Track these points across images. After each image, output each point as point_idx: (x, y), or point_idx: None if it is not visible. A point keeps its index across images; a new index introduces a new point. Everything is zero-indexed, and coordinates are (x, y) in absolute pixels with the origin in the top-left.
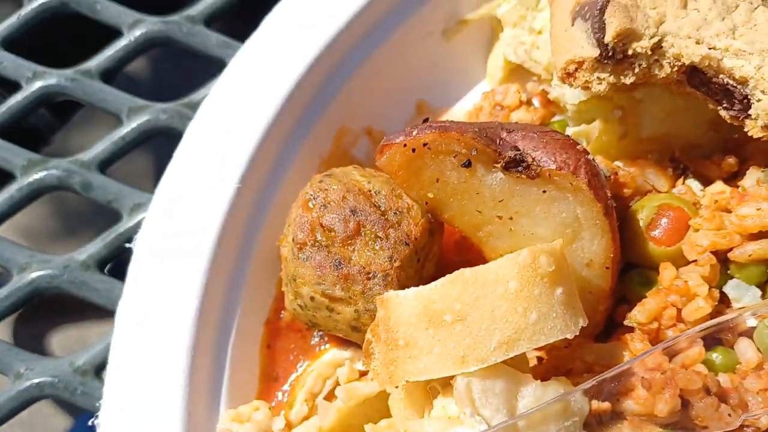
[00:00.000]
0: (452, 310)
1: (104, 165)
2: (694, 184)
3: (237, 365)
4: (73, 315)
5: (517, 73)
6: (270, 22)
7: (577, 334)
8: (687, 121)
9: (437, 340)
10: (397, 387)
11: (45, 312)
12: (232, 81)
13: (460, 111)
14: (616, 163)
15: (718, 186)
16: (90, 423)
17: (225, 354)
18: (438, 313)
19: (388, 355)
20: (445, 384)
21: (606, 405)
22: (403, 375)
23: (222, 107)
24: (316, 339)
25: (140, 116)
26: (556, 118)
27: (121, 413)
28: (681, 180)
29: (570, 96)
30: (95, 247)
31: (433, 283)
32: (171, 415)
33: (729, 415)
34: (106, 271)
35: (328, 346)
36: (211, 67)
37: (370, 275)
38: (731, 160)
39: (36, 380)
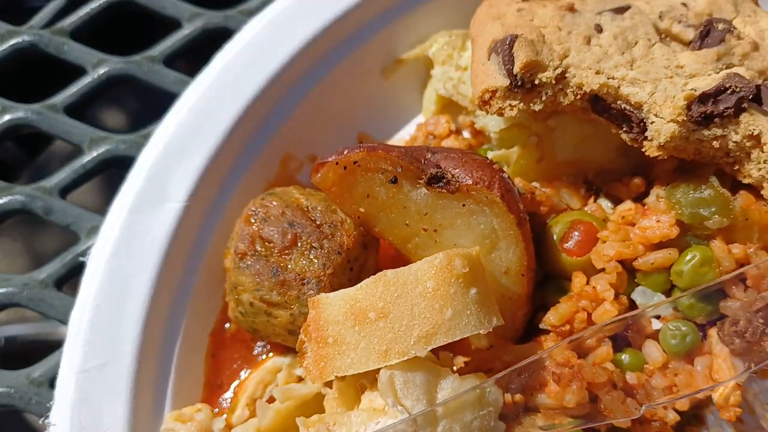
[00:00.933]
0: (376, 308)
1: (65, 191)
2: (605, 203)
3: (182, 373)
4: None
5: (450, 107)
6: (220, 58)
7: (491, 330)
8: (597, 147)
9: (362, 336)
10: (327, 383)
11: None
12: (183, 110)
13: (398, 141)
14: (534, 183)
15: (627, 204)
16: (41, 422)
17: (170, 362)
18: (363, 311)
19: (318, 352)
20: (373, 380)
21: (519, 398)
22: (332, 370)
23: (173, 134)
24: (259, 349)
25: (101, 146)
26: (485, 146)
27: (70, 413)
28: (592, 199)
29: (492, 125)
30: (53, 267)
31: (358, 284)
32: (116, 416)
33: (635, 409)
34: (63, 289)
35: (271, 355)
36: (169, 102)
37: (305, 281)
38: (638, 180)
39: None
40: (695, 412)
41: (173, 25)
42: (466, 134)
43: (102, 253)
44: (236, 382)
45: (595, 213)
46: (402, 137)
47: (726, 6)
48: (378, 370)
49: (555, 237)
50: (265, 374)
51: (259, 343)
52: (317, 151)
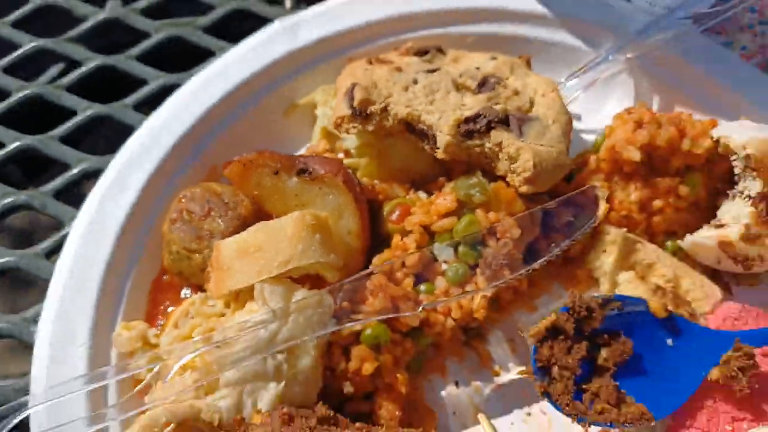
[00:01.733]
0: (254, 245)
1: (57, 193)
2: (422, 194)
3: (130, 306)
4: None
5: (331, 136)
6: (169, 102)
7: (329, 261)
8: (419, 159)
9: (245, 263)
10: (226, 305)
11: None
12: (141, 135)
13: None
14: (376, 181)
15: (435, 195)
16: (30, 329)
17: (122, 297)
18: (246, 248)
19: (217, 276)
20: (252, 294)
21: (346, 305)
22: (226, 287)
23: (132, 150)
24: (185, 293)
25: (84, 164)
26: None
27: (51, 326)
28: (413, 191)
29: (350, 143)
30: (45, 244)
31: (245, 231)
32: (84, 327)
33: (418, 307)
34: (52, 259)
35: (191, 294)
36: None
37: (213, 235)
38: (442, 179)
39: None
40: (480, 331)
41: (142, 82)
42: (340, 155)
43: (80, 224)
44: (168, 312)
45: (413, 199)
46: None
47: (505, 70)
48: (254, 285)
49: (385, 214)
50: (186, 306)
51: (185, 290)
52: None
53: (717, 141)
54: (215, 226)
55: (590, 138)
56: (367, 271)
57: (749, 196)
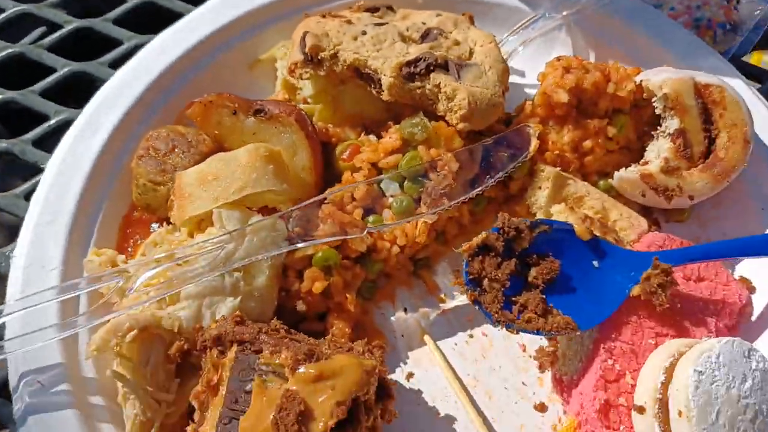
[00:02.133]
0: (213, 174)
1: (36, 142)
2: (372, 137)
3: (101, 239)
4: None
5: (291, 87)
6: (139, 54)
7: (281, 190)
8: (370, 105)
9: (204, 191)
10: (190, 234)
11: None
12: (112, 83)
13: None
14: (330, 125)
15: (385, 136)
16: (7, 254)
17: (93, 229)
18: (205, 176)
19: (179, 203)
20: (210, 220)
21: (299, 230)
22: (187, 212)
23: (104, 97)
24: (153, 228)
25: (61, 115)
26: None
27: (26, 249)
28: (364, 134)
29: (306, 91)
30: (24, 186)
31: (204, 161)
32: (56, 254)
33: (363, 232)
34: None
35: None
36: None
37: (177, 167)
38: (391, 123)
39: None
40: (427, 262)
41: (117, 42)
42: (301, 105)
43: (54, 162)
44: (137, 244)
45: (363, 140)
46: None
47: (449, 24)
48: (213, 211)
49: (338, 154)
50: (154, 236)
51: (153, 225)
52: None
53: (640, 86)
54: (178, 161)
55: (533, 91)
56: (320, 197)
57: (669, 134)
